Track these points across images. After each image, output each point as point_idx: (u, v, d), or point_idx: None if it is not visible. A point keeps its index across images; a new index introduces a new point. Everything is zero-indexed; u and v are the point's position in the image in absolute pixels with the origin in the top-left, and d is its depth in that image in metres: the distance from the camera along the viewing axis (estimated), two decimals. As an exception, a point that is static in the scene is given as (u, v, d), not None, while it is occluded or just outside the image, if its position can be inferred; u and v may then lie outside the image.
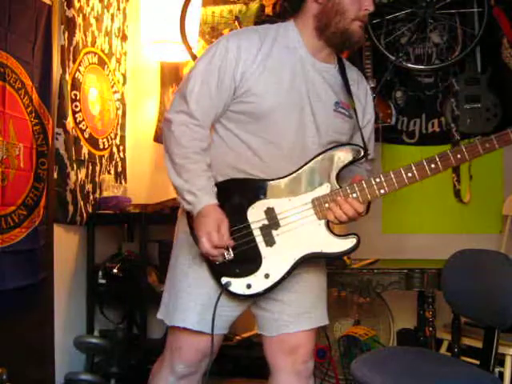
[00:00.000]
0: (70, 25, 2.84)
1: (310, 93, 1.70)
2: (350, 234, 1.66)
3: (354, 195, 1.64)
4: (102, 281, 2.96)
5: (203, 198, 1.62)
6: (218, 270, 1.66)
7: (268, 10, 3.70)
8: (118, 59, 3.34)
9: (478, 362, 2.24)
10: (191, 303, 1.72)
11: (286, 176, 1.67)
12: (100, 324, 3.03)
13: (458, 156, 1.65)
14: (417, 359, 2.22)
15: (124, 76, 3.40)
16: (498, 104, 3.47)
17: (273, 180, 1.67)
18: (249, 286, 1.65)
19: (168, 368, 1.80)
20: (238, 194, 1.67)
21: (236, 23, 3.39)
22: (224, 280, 1.66)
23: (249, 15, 3.78)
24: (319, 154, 1.68)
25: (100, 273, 2.97)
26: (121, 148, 3.33)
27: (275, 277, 1.66)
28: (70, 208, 2.84)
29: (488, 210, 3.57)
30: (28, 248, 2.51)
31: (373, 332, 3.17)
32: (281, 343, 1.79)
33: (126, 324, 3.18)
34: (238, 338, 3.34)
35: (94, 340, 2.88)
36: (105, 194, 3.09)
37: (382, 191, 1.65)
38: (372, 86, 3.54)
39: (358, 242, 1.66)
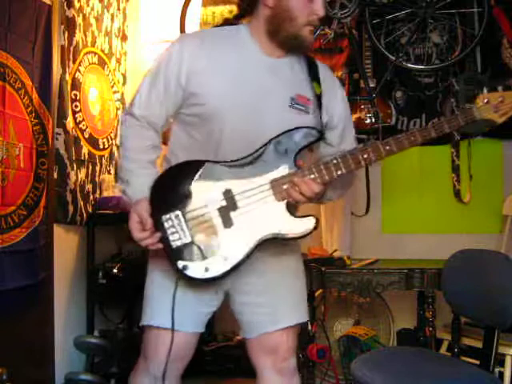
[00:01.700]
0: (69, 25, 2.84)
1: (261, 91, 1.71)
2: (308, 216, 1.66)
3: (312, 176, 1.65)
4: (102, 281, 2.96)
5: (134, 196, 1.69)
6: (175, 254, 1.64)
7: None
8: (118, 59, 3.34)
9: (478, 362, 2.24)
10: (156, 303, 1.75)
11: (243, 158, 1.67)
12: (100, 324, 3.03)
13: (412, 138, 1.67)
14: (417, 359, 2.22)
15: (124, 76, 3.40)
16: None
17: (231, 162, 1.67)
18: (207, 270, 1.63)
19: (143, 372, 1.82)
20: (195, 176, 1.67)
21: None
22: (181, 264, 1.63)
23: (249, 15, 3.77)
24: (277, 136, 1.67)
25: (100, 273, 2.97)
26: (121, 148, 3.33)
27: (234, 259, 1.63)
28: (70, 208, 2.84)
29: (488, 210, 3.56)
30: (28, 248, 2.51)
31: (373, 332, 3.17)
32: (260, 344, 1.82)
33: (126, 324, 3.18)
34: (238, 337, 3.34)
35: (93, 340, 2.88)
36: (105, 193, 3.09)
37: (339, 172, 1.66)
38: (372, 85, 3.54)
39: (317, 222, 1.65)
